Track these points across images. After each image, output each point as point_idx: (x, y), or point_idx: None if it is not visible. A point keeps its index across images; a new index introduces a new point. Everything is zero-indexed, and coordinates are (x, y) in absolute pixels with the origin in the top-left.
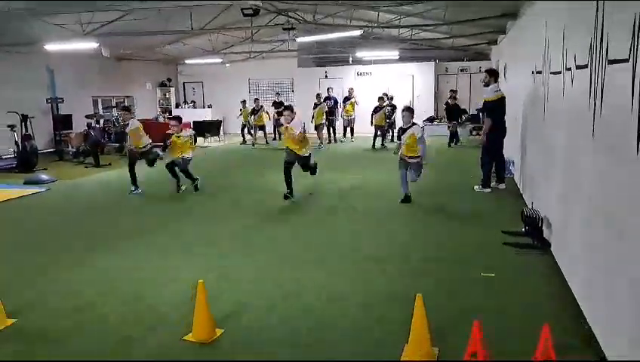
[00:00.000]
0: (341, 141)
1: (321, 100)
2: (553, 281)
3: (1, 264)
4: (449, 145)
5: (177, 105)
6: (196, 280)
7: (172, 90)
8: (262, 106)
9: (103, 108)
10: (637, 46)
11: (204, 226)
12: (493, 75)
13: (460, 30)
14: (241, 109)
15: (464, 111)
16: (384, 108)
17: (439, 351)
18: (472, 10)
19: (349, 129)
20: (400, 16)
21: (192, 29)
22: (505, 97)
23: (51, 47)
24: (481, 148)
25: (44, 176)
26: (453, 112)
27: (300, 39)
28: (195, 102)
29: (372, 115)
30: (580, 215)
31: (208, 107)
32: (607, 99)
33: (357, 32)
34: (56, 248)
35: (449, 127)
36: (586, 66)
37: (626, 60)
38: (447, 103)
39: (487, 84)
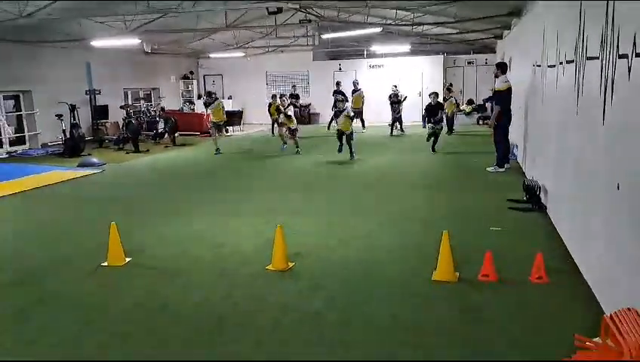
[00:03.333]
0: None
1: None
2: (548, 233)
3: (105, 221)
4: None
5: (199, 97)
6: (262, 233)
7: (194, 82)
8: (270, 104)
9: (132, 100)
10: (604, 47)
11: (257, 195)
12: (501, 67)
13: (468, 26)
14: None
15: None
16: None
17: (459, 274)
18: (481, 8)
19: (358, 120)
20: (415, 14)
21: (226, 25)
22: (511, 87)
23: (97, 43)
24: (492, 133)
25: (94, 160)
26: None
27: (325, 36)
28: (216, 93)
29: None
30: (567, 178)
31: (229, 98)
32: (585, 86)
33: (378, 29)
34: (140, 211)
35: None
36: (572, 61)
37: (597, 58)
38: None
39: (497, 76)
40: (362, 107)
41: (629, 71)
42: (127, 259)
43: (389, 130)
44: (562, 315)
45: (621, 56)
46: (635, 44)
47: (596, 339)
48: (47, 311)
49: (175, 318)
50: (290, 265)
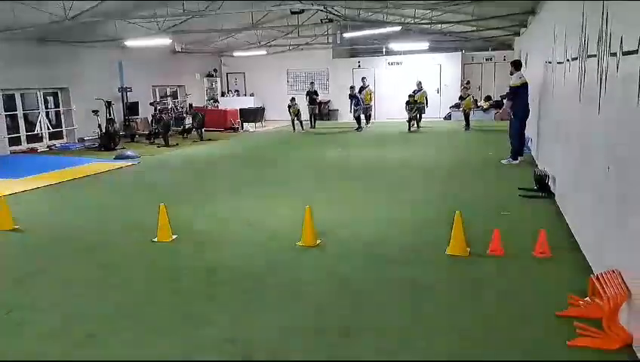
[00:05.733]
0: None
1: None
2: (554, 217)
3: (149, 204)
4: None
5: (223, 94)
6: (289, 215)
7: (218, 80)
8: (289, 105)
9: (160, 97)
10: (600, 46)
11: (280, 183)
12: (515, 65)
13: (486, 24)
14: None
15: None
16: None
17: (471, 249)
18: (499, 7)
19: (365, 116)
20: (433, 12)
21: (252, 25)
22: (527, 83)
23: (131, 43)
24: (507, 126)
25: (130, 153)
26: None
27: (347, 35)
28: (238, 90)
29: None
30: (571, 165)
31: (250, 95)
32: (586, 81)
33: (397, 28)
34: (178, 196)
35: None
36: (577, 58)
37: (595, 56)
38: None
39: (511, 73)
40: (371, 102)
41: (617, 67)
42: (174, 236)
43: (407, 126)
44: (560, 281)
45: (612, 54)
46: (621, 43)
47: (586, 299)
48: (119, 271)
49: (223, 278)
50: (319, 241)
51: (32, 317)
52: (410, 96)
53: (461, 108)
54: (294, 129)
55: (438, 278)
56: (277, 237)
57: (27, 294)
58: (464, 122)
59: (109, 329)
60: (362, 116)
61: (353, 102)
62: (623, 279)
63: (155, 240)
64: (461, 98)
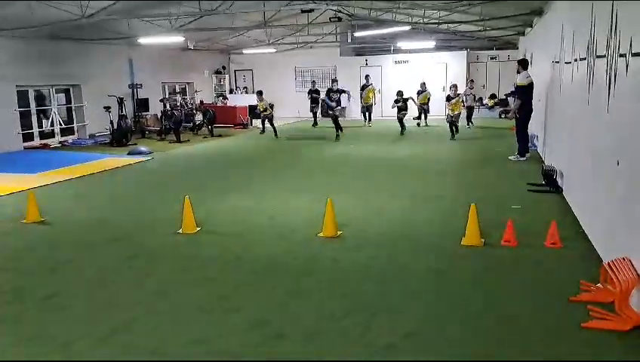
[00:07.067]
0: (364, 126)
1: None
2: (562, 210)
3: (169, 198)
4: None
5: (231, 91)
6: (306, 208)
7: (226, 77)
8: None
9: (169, 93)
10: (609, 47)
11: (295, 177)
12: (522, 64)
13: (492, 23)
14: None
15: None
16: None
17: (485, 240)
18: (505, 7)
19: (367, 114)
20: (441, 12)
21: (264, 23)
22: (533, 83)
23: (143, 40)
24: (514, 125)
25: (143, 148)
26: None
27: (357, 34)
28: (247, 87)
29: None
30: (579, 160)
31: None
32: (595, 80)
33: (406, 28)
34: (196, 190)
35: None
36: (585, 59)
37: (604, 56)
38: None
39: (518, 72)
40: (372, 101)
41: (627, 67)
42: (197, 228)
43: (411, 124)
44: (571, 269)
45: (621, 55)
46: (631, 45)
47: (598, 285)
48: (148, 261)
49: (248, 267)
50: (339, 232)
51: (71, 303)
52: (398, 93)
53: (447, 112)
54: (263, 130)
55: (454, 266)
56: (297, 229)
57: (63, 282)
58: (467, 123)
59: (145, 313)
60: (366, 114)
61: (326, 98)
62: (633, 265)
63: (180, 231)
64: (448, 98)
